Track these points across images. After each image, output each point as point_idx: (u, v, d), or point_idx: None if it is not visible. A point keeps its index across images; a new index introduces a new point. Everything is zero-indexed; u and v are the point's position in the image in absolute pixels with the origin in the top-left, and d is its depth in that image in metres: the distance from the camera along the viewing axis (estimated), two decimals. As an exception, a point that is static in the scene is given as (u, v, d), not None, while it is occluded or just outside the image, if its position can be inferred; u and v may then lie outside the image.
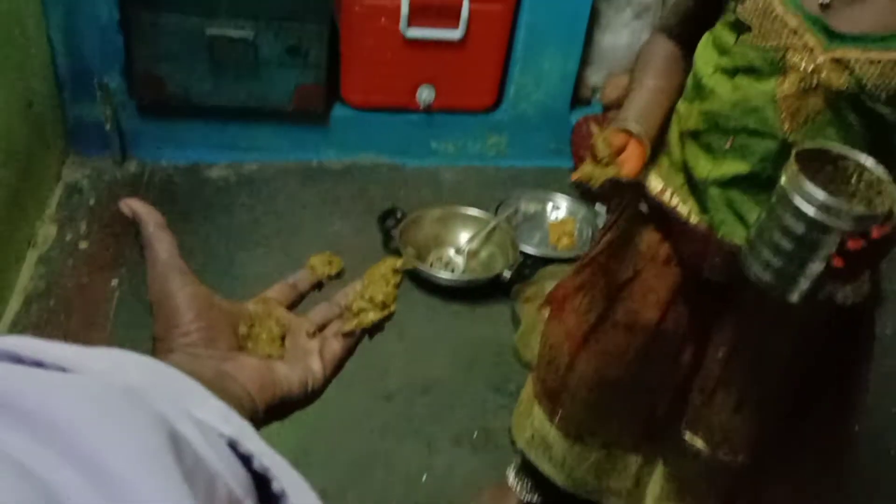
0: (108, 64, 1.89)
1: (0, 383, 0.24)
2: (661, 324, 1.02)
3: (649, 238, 1.01)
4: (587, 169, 0.90)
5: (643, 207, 1.00)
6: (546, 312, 1.23)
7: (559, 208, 2.06)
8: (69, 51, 1.85)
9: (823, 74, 0.80)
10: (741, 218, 0.90)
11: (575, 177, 0.91)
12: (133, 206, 0.46)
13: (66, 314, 1.57)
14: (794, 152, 0.77)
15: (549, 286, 1.76)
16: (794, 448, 1.05)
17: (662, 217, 0.98)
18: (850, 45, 0.79)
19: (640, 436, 1.13)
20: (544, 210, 2.06)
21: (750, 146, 0.86)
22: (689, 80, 0.94)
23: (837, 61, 0.80)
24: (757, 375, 1.00)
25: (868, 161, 0.77)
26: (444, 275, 1.72)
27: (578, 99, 2.32)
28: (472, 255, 1.82)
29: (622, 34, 2.30)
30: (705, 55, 0.90)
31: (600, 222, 1.95)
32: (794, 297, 0.80)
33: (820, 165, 0.78)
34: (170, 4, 1.79)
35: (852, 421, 1.08)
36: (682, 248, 0.98)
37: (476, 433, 1.50)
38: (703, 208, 0.93)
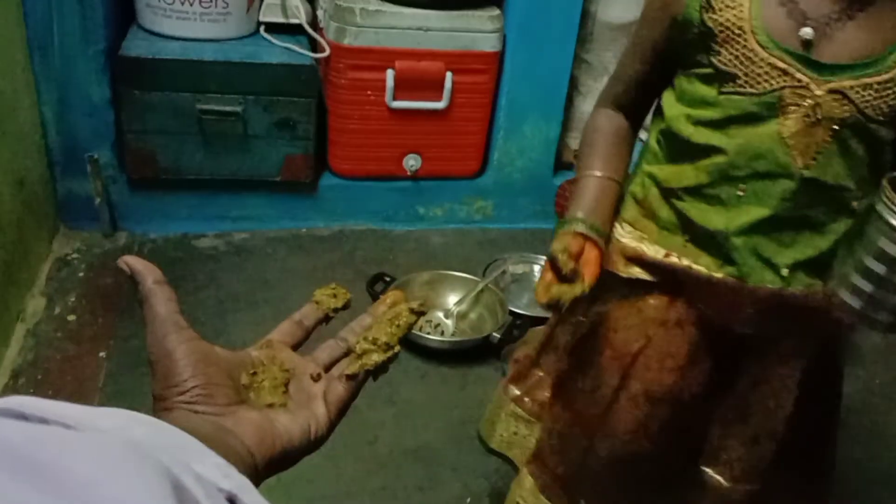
0: (100, 140, 1.93)
1: (13, 437, 0.24)
2: (682, 386, 0.99)
3: (656, 303, 0.98)
4: (554, 290, 0.90)
5: (650, 277, 0.98)
6: (513, 390, 1.17)
7: (546, 269, 2.08)
8: (61, 128, 1.90)
9: (825, 107, 0.82)
10: (768, 262, 0.90)
11: (543, 300, 0.90)
12: (130, 262, 0.46)
13: (53, 388, 1.56)
14: (885, 178, 0.79)
15: (539, 347, 1.77)
16: (790, 467, 1.04)
17: (676, 281, 0.96)
18: (841, 75, 0.82)
19: (662, 488, 1.10)
20: (531, 271, 2.08)
21: (766, 189, 0.86)
22: (660, 142, 0.95)
23: (835, 92, 0.82)
24: (772, 409, 0.99)
25: None
26: (433, 338, 1.72)
27: (561, 163, 2.38)
28: (461, 317, 1.83)
29: (601, 100, 2.38)
30: (677, 113, 0.91)
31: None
32: (884, 325, 0.80)
33: None
34: (161, 82, 1.84)
35: (836, 434, 1.08)
36: (707, 306, 0.95)
37: (469, 500, 1.48)
38: (726, 260, 0.92)
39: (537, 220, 2.33)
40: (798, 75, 0.82)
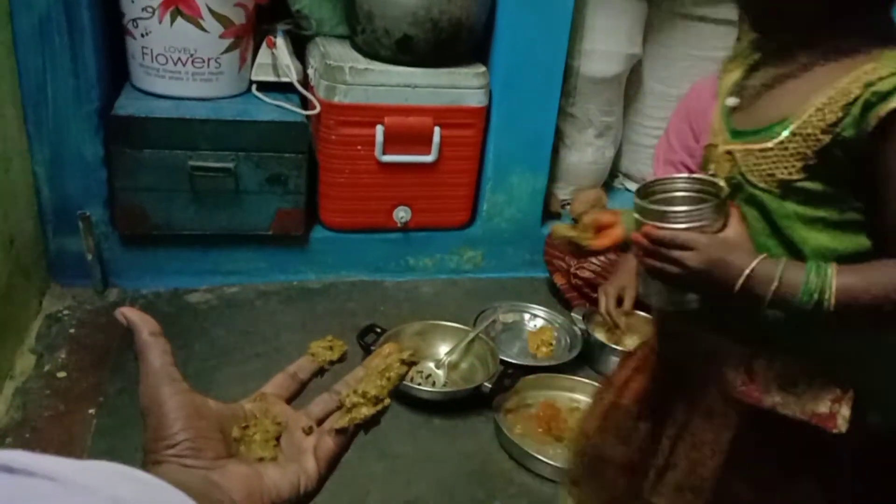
0: (92, 197, 1.95)
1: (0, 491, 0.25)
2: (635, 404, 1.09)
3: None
4: (561, 229, 1.09)
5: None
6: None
7: (537, 317, 2.10)
8: (53, 186, 1.92)
9: (720, 165, 0.91)
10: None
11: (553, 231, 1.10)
12: (127, 314, 0.47)
13: (41, 446, 1.54)
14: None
15: (531, 396, 1.77)
16: None
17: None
18: (738, 140, 0.91)
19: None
20: (522, 320, 2.09)
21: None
22: None
23: (728, 153, 0.91)
24: (694, 464, 0.99)
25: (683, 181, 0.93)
26: (424, 389, 1.72)
27: (549, 213, 2.42)
28: (452, 367, 1.83)
29: (586, 152, 2.43)
30: None
31: (577, 330, 1.99)
32: (653, 301, 0.94)
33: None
34: (153, 140, 1.88)
35: None
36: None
37: (463, 553, 1.46)
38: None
39: (526, 269, 2.36)
40: (718, 136, 0.93)
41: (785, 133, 0.85)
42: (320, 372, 0.56)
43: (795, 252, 0.86)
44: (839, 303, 0.80)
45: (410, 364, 0.56)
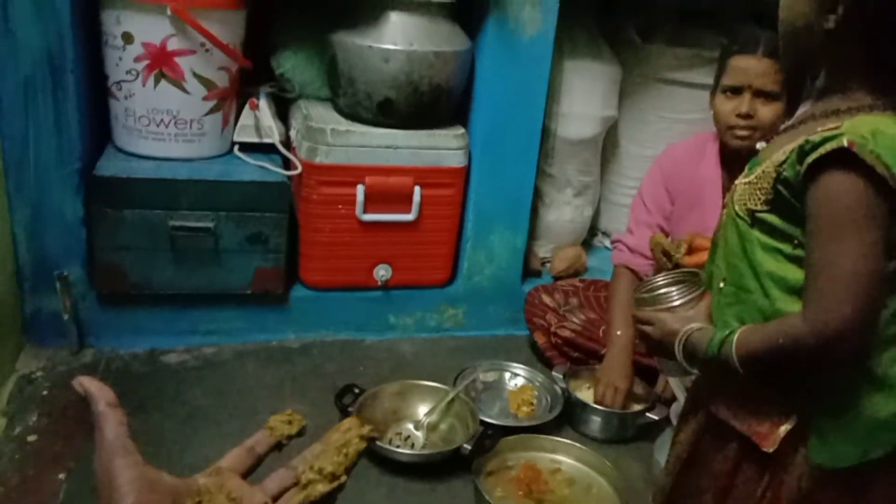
0: (71, 257, 1.94)
1: None
2: None
3: None
4: (659, 238, 1.39)
5: None
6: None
7: (517, 376, 2.09)
8: (32, 246, 1.91)
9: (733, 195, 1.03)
10: None
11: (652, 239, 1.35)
12: (84, 383, 0.47)
13: (7, 512, 1.50)
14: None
15: (512, 458, 1.75)
16: None
17: None
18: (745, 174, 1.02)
19: None
20: (503, 379, 2.08)
21: None
22: None
23: (736, 186, 1.02)
24: None
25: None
26: (402, 451, 1.70)
27: (529, 271, 2.43)
28: (431, 428, 1.81)
29: (565, 210, 2.47)
30: None
31: (558, 389, 1.98)
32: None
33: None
34: (134, 200, 1.88)
35: None
36: None
37: None
38: None
39: (507, 327, 2.36)
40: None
41: (758, 170, 0.96)
42: (278, 446, 0.56)
43: (757, 274, 0.96)
44: (741, 357, 0.93)
45: (371, 440, 0.56)
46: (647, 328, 1.09)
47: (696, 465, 1.09)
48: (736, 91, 1.63)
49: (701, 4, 2.38)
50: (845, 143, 0.84)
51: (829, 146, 0.85)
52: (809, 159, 0.86)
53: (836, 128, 0.86)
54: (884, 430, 0.95)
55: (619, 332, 1.91)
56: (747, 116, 1.61)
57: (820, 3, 0.91)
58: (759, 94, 1.61)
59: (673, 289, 1.11)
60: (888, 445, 0.96)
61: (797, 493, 0.97)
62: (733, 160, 1.73)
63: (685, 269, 1.17)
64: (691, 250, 1.24)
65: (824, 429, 0.95)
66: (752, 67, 1.60)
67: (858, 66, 0.92)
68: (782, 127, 1.04)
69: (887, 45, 0.90)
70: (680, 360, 1.04)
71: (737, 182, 1.01)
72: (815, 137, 0.87)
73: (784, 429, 0.95)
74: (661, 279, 1.15)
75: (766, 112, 1.62)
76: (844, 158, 0.84)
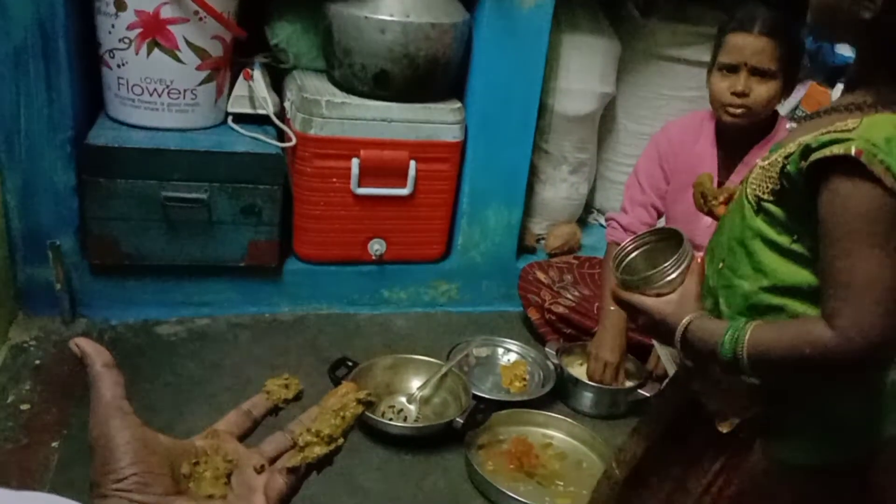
0: (63, 227, 1.93)
1: None
2: None
3: None
4: (705, 178, 1.17)
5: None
6: None
7: (510, 352, 2.09)
8: (24, 215, 1.90)
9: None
10: None
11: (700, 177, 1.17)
12: (81, 344, 0.47)
13: (2, 478, 1.50)
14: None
15: (503, 432, 1.76)
16: None
17: None
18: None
19: None
20: (495, 354, 2.09)
21: None
22: None
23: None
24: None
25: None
26: (395, 424, 1.71)
27: (524, 247, 2.43)
28: (424, 402, 1.82)
29: (561, 188, 2.46)
30: None
31: (551, 365, 1.99)
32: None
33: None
34: (127, 170, 1.87)
35: None
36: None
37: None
38: None
39: (501, 303, 2.36)
40: None
41: (774, 156, 0.93)
42: (275, 410, 0.56)
43: (751, 262, 0.95)
44: (751, 356, 0.87)
45: (367, 404, 0.55)
46: (635, 315, 1.02)
47: (671, 436, 1.10)
48: (732, 69, 1.61)
49: (702, -20, 2.35)
50: (853, 152, 0.81)
51: (835, 149, 0.82)
52: (813, 158, 0.84)
53: (850, 129, 0.83)
54: (844, 434, 0.96)
55: (612, 308, 1.91)
56: (742, 94, 1.60)
57: None
58: (755, 72, 1.59)
59: (653, 272, 1.00)
60: (850, 453, 0.97)
61: (750, 483, 0.98)
62: (729, 139, 1.73)
63: (656, 232, 1.05)
64: (729, 200, 1.15)
65: (785, 425, 0.96)
66: (748, 45, 1.58)
67: (890, 61, 0.88)
68: (807, 114, 1.00)
69: None
70: (678, 353, 0.97)
71: (758, 162, 0.97)
72: (825, 137, 0.84)
73: (744, 415, 0.96)
74: (648, 238, 1.04)
75: (762, 90, 1.60)
76: (853, 165, 0.81)
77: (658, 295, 0.98)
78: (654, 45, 2.41)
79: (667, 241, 1.03)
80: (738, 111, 1.62)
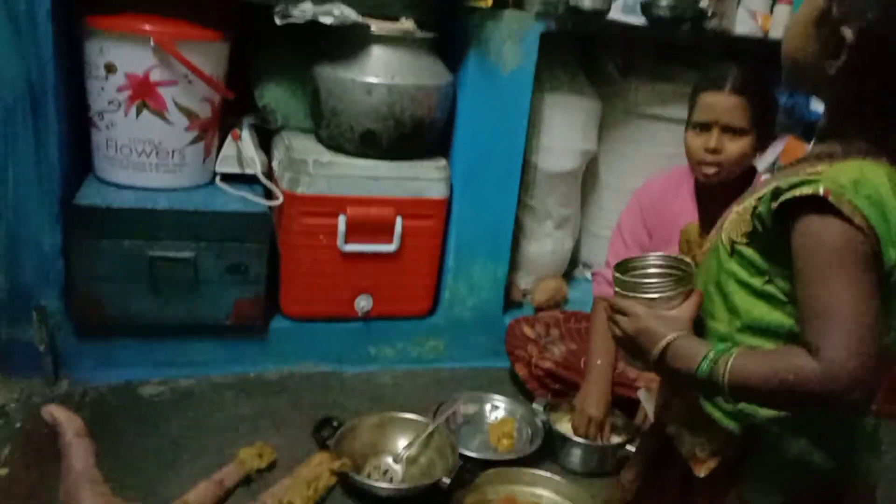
0: (48, 287, 1.92)
1: None
2: None
3: None
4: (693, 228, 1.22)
5: None
6: None
7: (498, 409, 2.08)
8: (9, 275, 1.89)
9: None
10: None
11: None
12: (53, 412, 0.47)
13: (-26, 551, 1.46)
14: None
15: (492, 492, 1.74)
16: None
17: None
18: None
19: None
20: (483, 411, 2.07)
21: None
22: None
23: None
24: None
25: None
26: (380, 485, 1.68)
27: (510, 302, 2.44)
28: (410, 462, 1.79)
29: (546, 242, 2.49)
30: None
31: (539, 422, 1.97)
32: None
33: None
34: (113, 230, 1.87)
35: None
36: None
37: None
38: None
39: (488, 358, 2.36)
40: None
41: (746, 202, 0.97)
42: (248, 480, 0.55)
43: (726, 304, 0.98)
44: (732, 380, 0.87)
45: (341, 475, 0.55)
46: (621, 318, 1.00)
47: (651, 479, 1.12)
48: (705, 127, 1.65)
49: (678, 42, 2.43)
50: (821, 192, 0.84)
51: (804, 189, 0.85)
52: (782, 198, 0.88)
53: (819, 173, 0.87)
54: (816, 476, 0.96)
55: (598, 362, 1.92)
56: (715, 151, 1.63)
57: (823, 47, 0.91)
58: (727, 129, 1.63)
59: (656, 280, 1.01)
60: (821, 494, 0.98)
61: None
62: (708, 194, 1.76)
63: (684, 260, 1.05)
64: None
65: (757, 468, 0.97)
66: (719, 103, 1.62)
67: (858, 112, 0.92)
68: (782, 164, 1.07)
69: (887, 97, 0.90)
70: (658, 368, 0.96)
71: (732, 207, 1.01)
72: (794, 179, 0.88)
73: (718, 459, 0.98)
74: (652, 259, 1.06)
75: (734, 147, 1.63)
76: (822, 205, 0.84)
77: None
78: (634, 103, 2.47)
79: (679, 270, 1.04)
80: (712, 168, 1.66)
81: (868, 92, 0.90)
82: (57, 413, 0.45)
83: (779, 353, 0.89)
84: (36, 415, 1.85)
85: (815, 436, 0.96)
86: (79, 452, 0.42)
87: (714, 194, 1.74)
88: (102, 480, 0.42)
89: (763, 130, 1.67)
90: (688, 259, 1.05)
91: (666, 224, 1.83)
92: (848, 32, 0.87)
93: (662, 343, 0.93)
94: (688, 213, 1.80)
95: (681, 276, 1.02)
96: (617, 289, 1.04)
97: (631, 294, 1.01)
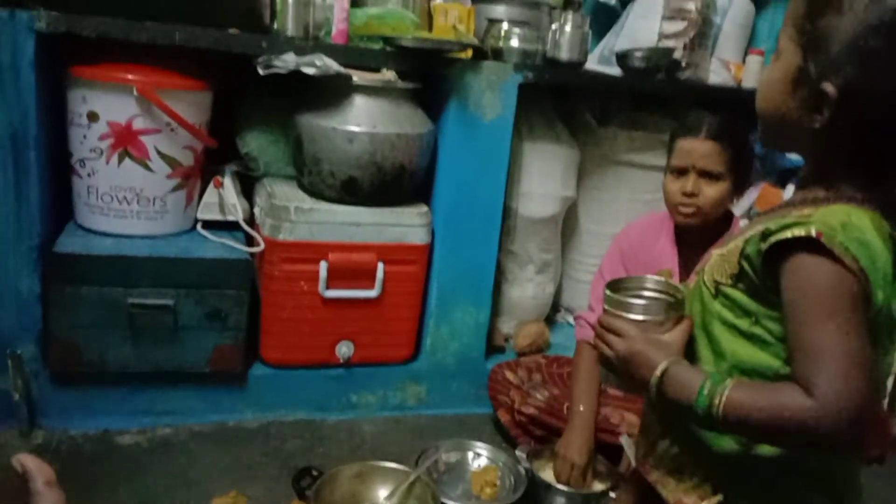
0: (24, 334, 1.90)
1: None
2: None
3: None
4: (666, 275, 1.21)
5: None
6: None
7: (480, 456, 2.06)
8: (-15, 324, 1.87)
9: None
10: None
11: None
12: (23, 461, 0.46)
13: None
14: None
15: (473, 541, 1.71)
16: None
17: None
18: None
19: None
20: (465, 459, 2.05)
21: None
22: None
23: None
24: None
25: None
26: (361, 536, 1.65)
27: (493, 347, 2.44)
28: (391, 512, 1.77)
29: (527, 287, 2.50)
30: None
31: (522, 469, 1.96)
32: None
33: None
34: (93, 278, 1.86)
35: None
36: None
37: None
38: None
39: (471, 404, 2.34)
40: None
41: (731, 244, 0.98)
42: None
43: (711, 345, 0.98)
44: (727, 414, 0.88)
45: None
46: (615, 339, 1.00)
47: None
48: (682, 171, 1.70)
49: (653, 91, 2.49)
50: (813, 233, 0.85)
51: (796, 231, 0.87)
52: (773, 239, 0.88)
53: (808, 216, 0.88)
54: None
55: (581, 408, 1.91)
56: (692, 195, 1.68)
57: (803, 103, 0.92)
58: (703, 174, 1.68)
59: (650, 302, 1.01)
60: None
61: None
62: (687, 238, 1.79)
63: (677, 287, 1.05)
64: None
65: None
66: (695, 149, 1.67)
67: (843, 163, 0.93)
68: (758, 210, 1.09)
69: (873, 147, 0.92)
70: (651, 394, 0.95)
71: (712, 251, 1.02)
72: (784, 221, 0.89)
73: (708, 502, 0.97)
74: (647, 282, 1.06)
75: (710, 191, 1.68)
76: (814, 246, 0.86)
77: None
78: (612, 151, 2.52)
79: (671, 296, 1.06)
80: (689, 210, 1.70)
81: (852, 142, 0.92)
82: (26, 461, 0.45)
83: (774, 388, 0.89)
84: (7, 465, 1.81)
85: (814, 478, 0.95)
86: (48, 503, 0.41)
87: (693, 238, 1.77)
88: (71, 531, 0.41)
89: (739, 175, 1.71)
90: (681, 287, 1.06)
91: (645, 268, 1.85)
92: (830, 88, 0.89)
93: (659, 370, 0.94)
94: (667, 257, 1.82)
95: (673, 301, 1.03)
96: (607, 307, 1.03)
97: (622, 313, 1.01)
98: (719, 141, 1.67)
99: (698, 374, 0.92)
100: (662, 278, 1.09)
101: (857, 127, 0.90)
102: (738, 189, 1.74)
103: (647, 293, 1.07)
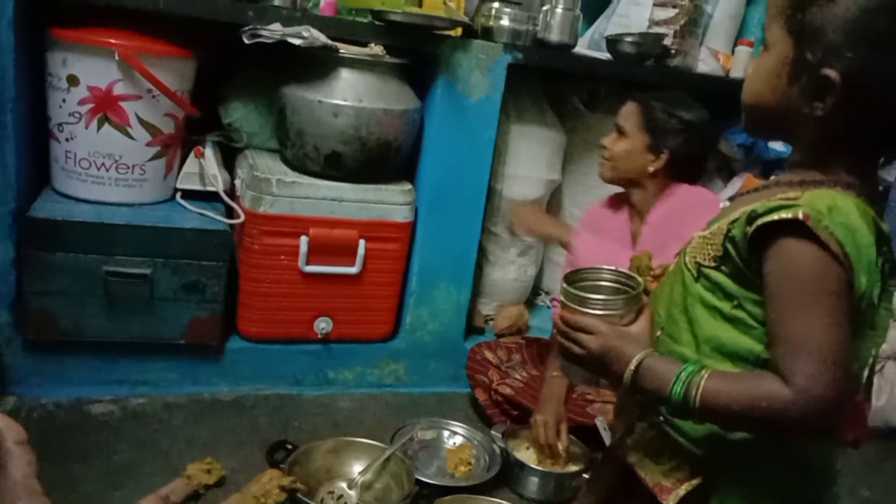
0: (-3, 300, 1.87)
1: None
2: None
3: None
4: (644, 259, 1.18)
5: None
6: None
7: (456, 434, 2.07)
8: (-43, 288, 1.84)
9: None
10: None
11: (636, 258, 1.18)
12: None
13: None
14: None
15: (446, 519, 1.72)
16: None
17: None
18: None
19: None
20: (441, 437, 2.06)
21: None
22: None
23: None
24: None
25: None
26: (334, 511, 1.65)
27: (472, 328, 2.44)
28: (365, 487, 1.77)
29: (509, 269, 2.50)
30: None
31: (497, 448, 1.96)
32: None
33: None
34: (68, 244, 1.83)
35: None
36: None
37: None
38: None
39: (448, 384, 2.35)
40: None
41: (714, 226, 0.97)
42: (195, 496, 0.54)
43: (692, 328, 0.97)
44: (704, 403, 0.88)
45: (291, 491, 0.54)
46: (585, 337, 0.99)
47: None
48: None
49: (643, 77, 2.48)
50: (801, 216, 0.84)
51: (783, 213, 0.86)
52: (760, 221, 0.87)
53: (794, 199, 0.87)
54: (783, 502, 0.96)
55: (554, 374, 1.90)
56: (604, 147, 1.87)
57: (803, 91, 0.90)
58: (618, 130, 1.86)
59: (611, 297, 1.00)
60: None
61: None
62: (638, 211, 1.89)
63: (634, 276, 1.04)
64: (661, 276, 1.17)
65: (726, 497, 0.96)
66: (622, 109, 1.88)
67: (841, 149, 0.92)
68: (747, 190, 1.06)
69: (873, 131, 0.91)
70: (626, 387, 0.94)
71: (695, 234, 1.01)
72: (770, 203, 0.88)
73: (686, 487, 0.97)
74: (604, 273, 1.05)
75: (618, 145, 1.85)
76: (800, 229, 0.85)
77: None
78: (598, 135, 2.49)
79: (629, 287, 1.04)
80: (601, 160, 1.89)
81: (853, 127, 0.90)
82: (-3, 420, 0.44)
83: (750, 377, 0.89)
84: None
85: (791, 461, 0.95)
86: (18, 462, 0.40)
87: (636, 203, 1.88)
88: (42, 492, 0.40)
89: (659, 141, 1.80)
90: (637, 276, 1.05)
91: (612, 236, 1.90)
92: (833, 74, 0.87)
93: (634, 363, 0.93)
94: (622, 224, 1.92)
95: (632, 292, 1.02)
96: (566, 301, 1.01)
97: (582, 309, 0.99)
98: (642, 104, 1.82)
99: (673, 365, 0.92)
100: (615, 267, 1.06)
101: (860, 111, 0.89)
102: (654, 154, 1.81)
103: (604, 284, 1.05)
